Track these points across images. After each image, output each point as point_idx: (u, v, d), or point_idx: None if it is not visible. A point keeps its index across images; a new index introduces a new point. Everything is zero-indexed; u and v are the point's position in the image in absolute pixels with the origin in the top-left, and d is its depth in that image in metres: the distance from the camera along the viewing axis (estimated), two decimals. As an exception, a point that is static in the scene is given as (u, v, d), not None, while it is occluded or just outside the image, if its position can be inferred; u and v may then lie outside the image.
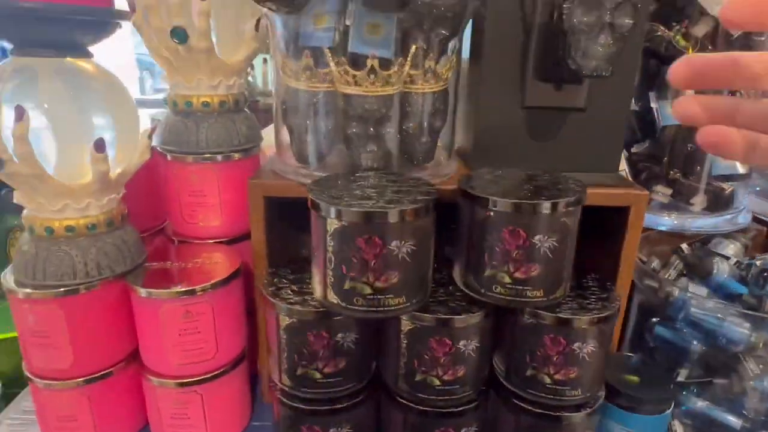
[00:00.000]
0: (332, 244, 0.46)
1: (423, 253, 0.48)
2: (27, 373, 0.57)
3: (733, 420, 0.60)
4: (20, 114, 0.45)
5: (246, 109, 0.65)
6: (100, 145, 0.49)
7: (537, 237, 0.47)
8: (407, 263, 0.46)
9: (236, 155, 0.63)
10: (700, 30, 0.68)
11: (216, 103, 0.60)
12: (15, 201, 0.53)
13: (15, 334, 0.81)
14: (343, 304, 0.47)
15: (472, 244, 0.51)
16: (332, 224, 0.45)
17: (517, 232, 0.47)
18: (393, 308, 0.47)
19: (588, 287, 0.56)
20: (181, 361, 0.56)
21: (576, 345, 0.51)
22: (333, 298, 0.48)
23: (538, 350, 0.52)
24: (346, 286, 0.46)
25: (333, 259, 0.46)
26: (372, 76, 0.53)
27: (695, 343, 0.60)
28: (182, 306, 0.54)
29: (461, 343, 0.51)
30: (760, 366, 0.57)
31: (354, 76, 0.53)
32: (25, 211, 0.54)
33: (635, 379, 0.60)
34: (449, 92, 0.60)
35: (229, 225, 0.65)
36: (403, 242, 0.45)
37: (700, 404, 0.61)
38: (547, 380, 0.53)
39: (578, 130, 0.61)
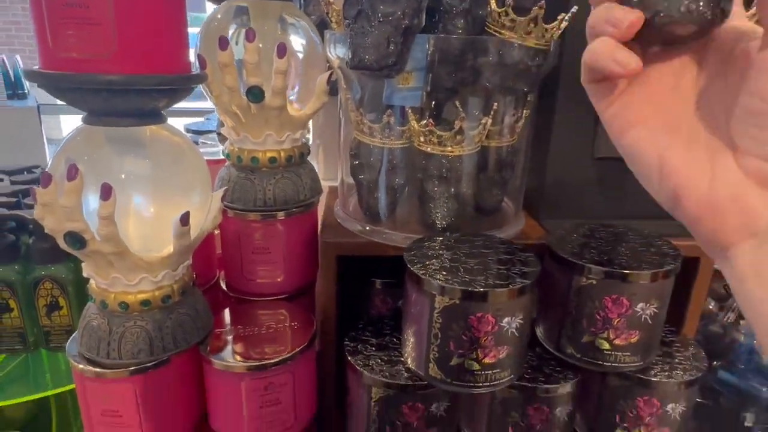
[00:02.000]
0: (440, 320, 0.44)
1: (528, 325, 0.47)
2: (92, 452, 0.54)
3: (799, 463, 0.61)
4: (107, 193, 0.42)
5: (309, 160, 0.63)
6: (185, 220, 0.47)
7: (640, 305, 0.47)
8: (516, 338, 0.45)
9: (298, 209, 0.61)
10: None
11: (283, 159, 0.58)
12: (84, 274, 0.49)
13: (28, 398, 0.77)
14: (448, 380, 0.46)
15: (567, 310, 0.50)
16: (442, 302, 0.44)
17: (620, 300, 0.47)
18: (499, 382, 0.46)
19: (669, 342, 0.56)
20: (259, 431, 0.54)
21: (669, 407, 0.51)
22: (436, 373, 0.46)
23: (629, 412, 0.52)
24: (453, 362, 0.45)
25: (439, 335, 0.45)
26: (459, 137, 0.52)
27: (765, 389, 0.61)
28: (264, 378, 0.52)
29: (557, 410, 0.51)
30: (831, 413, 0.58)
31: (439, 137, 0.52)
32: (92, 283, 0.50)
33: (703, 426, 0.61)
34: (519, 144, 0.59)
35: (289, 281, 0.63)
36: (513, 318, 0.44)
37: (767, 448, 0.62)
38: (638, 441, 0.53)
39: (646, 181, 0.61)
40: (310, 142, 0.99)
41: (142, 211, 0.50)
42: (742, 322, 0.66)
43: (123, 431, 0.52)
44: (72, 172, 0.42)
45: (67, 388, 0.77)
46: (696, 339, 0.68)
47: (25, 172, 0.97)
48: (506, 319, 0.44)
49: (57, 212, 0.43)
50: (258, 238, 0.60)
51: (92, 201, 0.45)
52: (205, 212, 0.53)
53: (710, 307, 0.69)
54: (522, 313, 0.45)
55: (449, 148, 0.53)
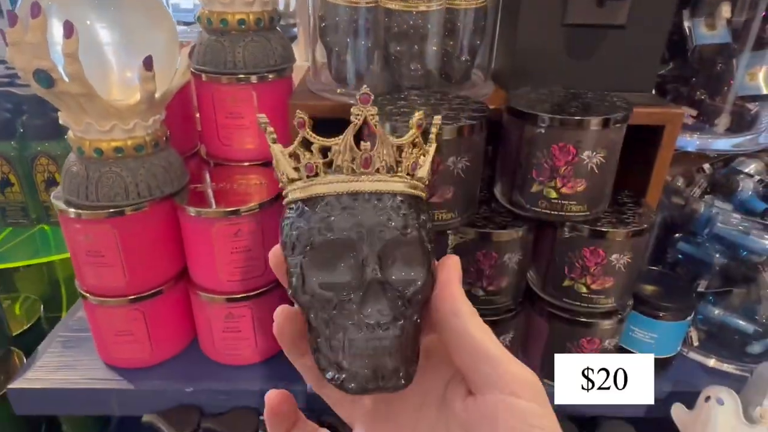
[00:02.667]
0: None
1: (475, 167, 0.49)
2: (81, 291, 0.59)
3: (745, 325, 0.64)
4: (69, 30, 0.44)
5: (278, 28, 0.64)
6: (148, 64, 0.49)
7: (586, 153, 0.49)
8: (461, 179, 0.48)
9: (271, 75, 0.62)
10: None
11: (252, 21, 0.59)
12: (61, 122, 0.52)
13: (39, 260, 0.83)
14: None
15: (518, 161, 0.52)
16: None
17: (566, 147, 0.49)
18: (444, 222, 0.49)
19: (624, 203, 0.58)
20: (230, 278, 0.59)
21: (614, 257, 0.54)
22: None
23: (577, 262, 0.55)
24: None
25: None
26: (419, -10, 0.52)
27: (717, 256, 0.63)
28: (233, 225, 0.56)
29: (506, 256, 0.54)
30: (778, 275, 0.61)
31: (400, -9, 0.52)
32: (70, 132, 0.54)
33: (657, 289, 0.64)
34: (489, 10, 0.59)
35: (265, 147, 0.65)
36: (458, 158, 0.47)
37: (717, 312, 0.66)
38: (584, 290, 0.56)
39: (617, 49, 0.61)
40: (296, 30, 0.99)
41: (112, 60, 0.52)
42: (706, 197, 0.68)
43: (107, 271, 0.57)
44: (35, 10, 0.44)
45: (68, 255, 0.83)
46: (661, 214, 0.70)
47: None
48: (451, 159, 0.46)
49: (25, 51, 0.45)
50: (230, 101, 0.62)
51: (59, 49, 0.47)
52: (173, 68, 0.55)
53: (678, 184, 0.71)
54: (469, 154, 0.47)
55: (413, 3, 0.53)
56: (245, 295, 0.60)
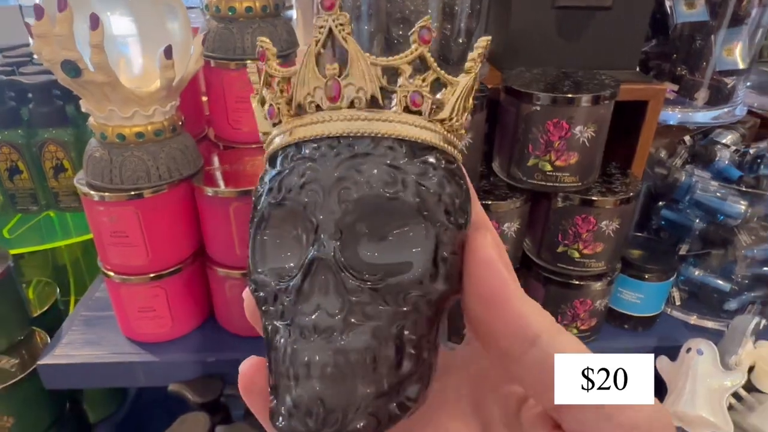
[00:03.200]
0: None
1: (477, 146, 0.53)
2: (104, 270, 0.62)
3: (722, 284, 0.70)
4: (95, 23, 0.47)
5: (282, 15, 0.66)
6: (168, 52, 0.51)
7: (578, 128, 0.53)
8: (464, 155, 0.52)
9: (278, 60, 0.65)
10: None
11: (258, 8, 0.61)
12: (83, 109, 0.55)
13: (45, 246, 0.86)
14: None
15: (515, 137, 0.56)
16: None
17: (560, 123, 0.53)
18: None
19: (611, 174, 0.63)
20: (246, 253, 0.62)
21: (604, 223, 0.58)
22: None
23: (570, 229, 0.60)
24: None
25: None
26: (420, -23, 0.55)
27: (697, 221, 0.68)
28: (249, 204, 0.59)
29: (505, 225, 0.58)
30: (752, 237, 0.66)
31: (402, -22, 0.55)
32: (91, 119, 0.56)
33: (642, 253, 0.69)
34: (485, -7, 0.62)
35: (273, 130, 0.69)
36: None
37: (697, 273, 0.71)
38: (576, 255, 0.61)
39: (604, 29, 0.65)
40: (293, 14, 1.01)
41: (130, 54, 0.55)
42: (687, 166, 0.73)
43: (131, 251, 0.60)
44: (62, 4, 0.46)
45: (75, 239, 0.86)
46: (645, 183, 0.75)
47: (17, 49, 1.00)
48: (456, 136, 0.50)
49: (52, 42, 0.48)
50: (239, 86, 0.64)
51: (83, 42, 0.49)
52: (188, 55, 0.58)
53: (661, 155, 0.76)
54: (472, 132, 0.51)
55: (412, -11, 0.56)
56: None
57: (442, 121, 0.18)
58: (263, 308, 0.18)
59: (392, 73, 0.18)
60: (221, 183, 0.60)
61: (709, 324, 0.72)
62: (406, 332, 0.17)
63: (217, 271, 0.64)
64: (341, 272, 0.17)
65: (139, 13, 0.54)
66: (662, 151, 0.75)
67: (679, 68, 0.78)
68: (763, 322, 0.64)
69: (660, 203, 0.73)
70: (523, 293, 0.17)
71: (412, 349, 0.17)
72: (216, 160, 0.67)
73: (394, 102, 0.18)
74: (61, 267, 0.98)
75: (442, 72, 0.18)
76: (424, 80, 0.18)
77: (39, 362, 0.64)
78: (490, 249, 0.17)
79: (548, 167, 0.55)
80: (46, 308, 0.79)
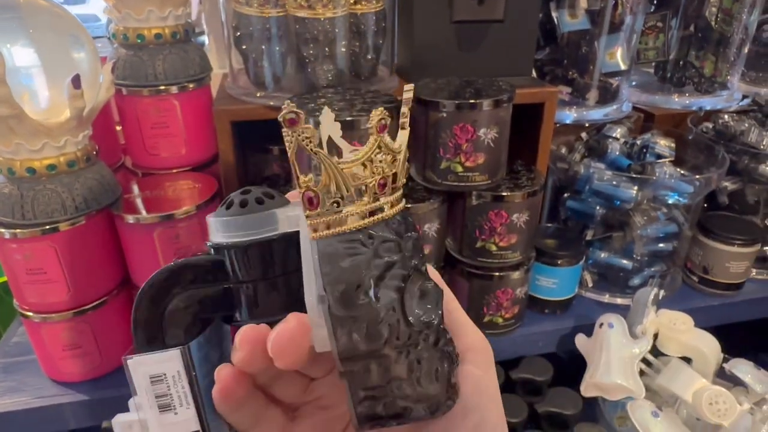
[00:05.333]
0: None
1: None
2: (22, 311, 0.59)
3: (625, 263, 0.77)
4: (-5, 54, 0.46)
5: (193, 40, 0.67)
6: (77, 82, 0.51)
7: (482, 130, 0.58)
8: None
9: (192, 85, 0.66)
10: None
11: (168, 34, 0.62)
12: (-14, 145, 0.53)
13: None
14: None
15: (426, 142, 0.60)
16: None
17: (465, 127, 0.57)
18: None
19: (518, 171, 0.68)
20: (176, 279, 0.62)
21: (515, 216, 0.63)
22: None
23: (485, 224, 0.64)
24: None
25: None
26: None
27: (597, 208, 0.75)
28: (174, 228, 0.59)
29: (426, 226, 0.62)
30: (645, 218, 0.74)
31: (308, 1, 0.58)
32: (-4, 155, 0.54)
33: (553, 242, 0.75)
34: (387, 13, 0.67)
35: (192, 153, 0.69)
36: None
37: (603, 255, 0.78)
38: (494, 248, 0.65)
39: (498, 40, 0.71)
40: (205, 40, 1.01)
41: (35, 86, 0.54)
42: (584, 160, 0.80)
43: (50, 287, 0.58)
44: (-44, 38, 0.45)
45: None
46: (550, 178, 0.82)
47: None
48: (371, 145, 0.53)
49: (-52, 78, 0.46)
50: (154, 112, 0.64)
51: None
52: (97, 84, 0.58)
53: (562, 152, 0.83)
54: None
55: (320, 11, 0.59)
56: (191, 293, 0.63)
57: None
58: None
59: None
60: (143, 210, 0.60)
61: (619, 301, 0.79)
62: None
63: (145, 299, 0.63)
64: None
65: (42, 44, 0.53)
66: (563, 148, 0.82)
67: (570, 72, 0.86)
68: (662, 292, 0.72)
69: (565, 195, 0.80)
70: None
71: None
72: (135, 187, 0.66)
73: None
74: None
75: (394, 147, 0.22)
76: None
77: (-47, 418, 0.60)
78: None
79: (459, 168, 0.60)
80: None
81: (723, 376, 0.70)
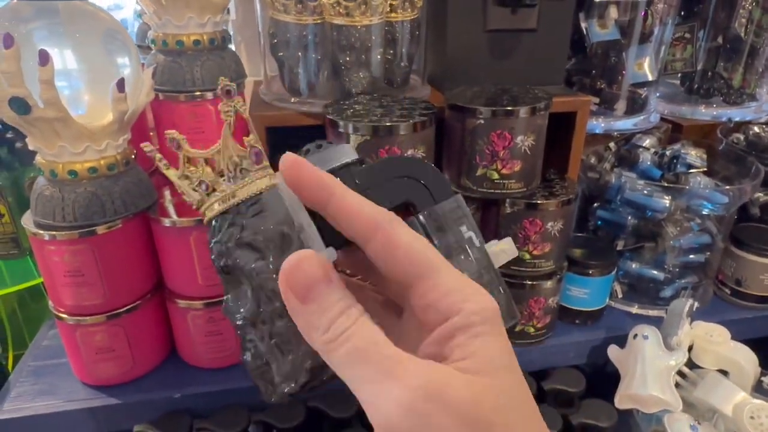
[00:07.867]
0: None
1: (429, 159, 0.56)
2: (57, 313, 0.60)
3: (656, 274, 0.77)
4: (45, 58, 0.46)
5: (230, 47, 0.68)
6: (121, 86, 0.52)
7: (519, 137, 0.57)
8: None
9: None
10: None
11: (206, 41, 0.63)
12: (30, 147, 0.54)
13: None
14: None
15: (463, 149, 0.60)
16: (356, 140, 0.52)
17: (503, 134, 0.57)
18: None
19: (551, 180, 0.68)
20: (209, 282, 0.62)
21: (549, 224, 0.63)
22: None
23: (519, 233, 0.64)
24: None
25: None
26: (363, 7, 0.58)
27: (629, 218, 0.75)
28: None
29: (461, 233, 0.62)
30: (678, 228, 0.73)
31: (346, 8, 0.58)
32: (39, 157, 0.55)
33: (584, 251, 0.74)
34: (423, 20, 0.67)
35: (225, 159, 0.69)
36: (415, 150, 0.54)
37: (633, 266, 0.77)
38: (527, 257, 0.65)
39: (531, 49, 0.71)
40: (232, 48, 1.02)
41: (78, 90, 0.55)
42: (615, 169, 0.79)
43: (87, 290, 0.58)
44: (8, 41, 0.46)
45: (11, 289, 0.81)
46: (580, 188, 0.81)
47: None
48: (410, 151, 0.53)
49: (-1, 80, 0.47)
50: (190, 118, 0.65)
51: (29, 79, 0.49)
52: (138, 88, 0.58)
53: (591, 161, 0.82)
54: (424, 146, 0.54)
55: (357, 18, 0.59)
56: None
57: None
58: None
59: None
60: (175, 214, 0.60)
61: (650, 312, 0.78)
62: None
63: (177, 303, 0.63)
64: None
65: (85, 49, 0.54)
66: (592, 157, 0.82)
67: (598, 82, 0.86)
68: (696, 304, 0.71)
69: (595, 205, 0.79)
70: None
71: None
72: (168, 193, 0.66)
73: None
74: (-5, 321, 0.92)
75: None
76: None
77: (-13, 420, 0.60)
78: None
79: (495, 176, 0.59)
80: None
81: (760, 390, 0.68)
